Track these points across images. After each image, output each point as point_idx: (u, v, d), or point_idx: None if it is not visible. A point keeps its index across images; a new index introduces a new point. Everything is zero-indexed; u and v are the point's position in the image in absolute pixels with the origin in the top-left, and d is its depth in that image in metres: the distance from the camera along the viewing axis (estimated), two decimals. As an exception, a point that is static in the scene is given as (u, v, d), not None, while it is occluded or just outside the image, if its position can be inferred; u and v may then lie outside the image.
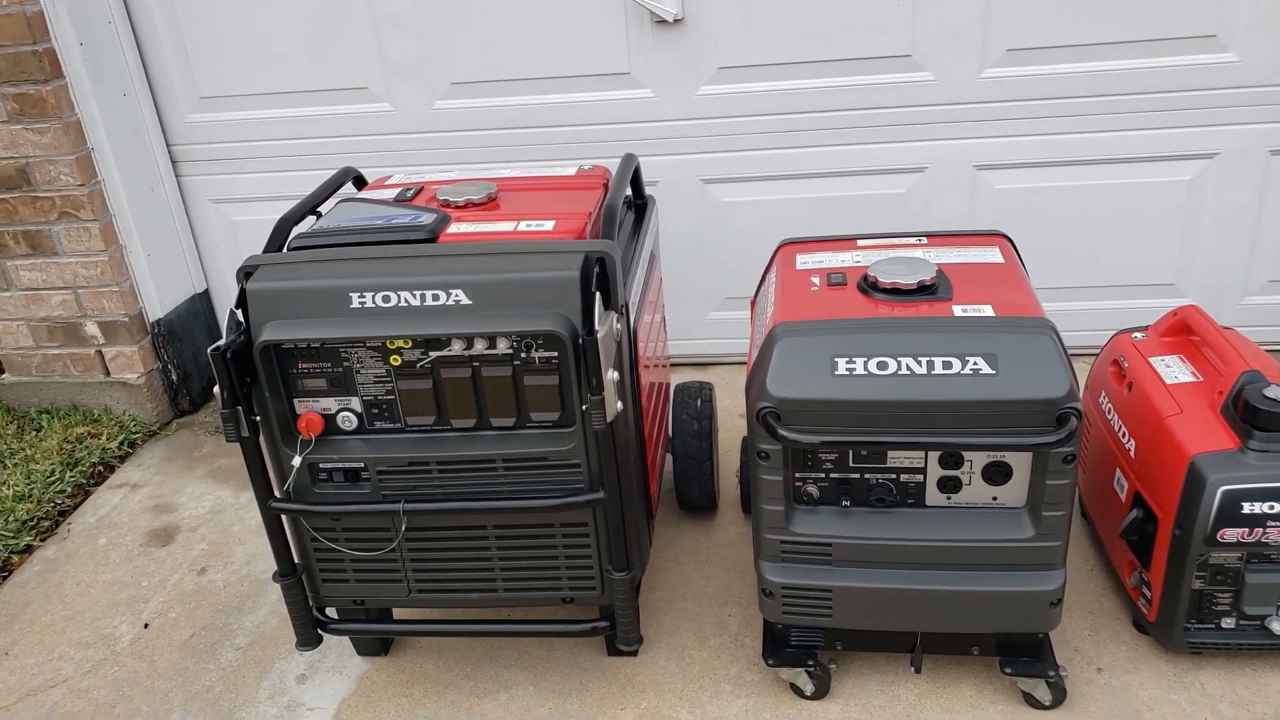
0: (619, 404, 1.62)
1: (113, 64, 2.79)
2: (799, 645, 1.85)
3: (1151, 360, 1.95)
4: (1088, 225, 2.79)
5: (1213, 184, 2.70)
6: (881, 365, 1.58)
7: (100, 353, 3.00)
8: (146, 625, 2.23)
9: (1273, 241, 2.75)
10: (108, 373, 3.02)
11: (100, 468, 2.86)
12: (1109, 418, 2.01)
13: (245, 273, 1.65)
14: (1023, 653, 1.79)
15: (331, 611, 1.93)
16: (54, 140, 2.70)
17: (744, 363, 3.09)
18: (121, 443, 2.94)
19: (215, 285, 3.23)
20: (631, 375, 1.78)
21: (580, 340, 1.56)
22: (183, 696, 2.01)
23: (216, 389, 1.62)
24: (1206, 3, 2.49)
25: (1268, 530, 1.65)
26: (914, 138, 2.73)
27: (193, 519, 2.61)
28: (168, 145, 2.99)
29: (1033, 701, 1.79)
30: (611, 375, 1.57)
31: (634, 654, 1.99)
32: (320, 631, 1.89)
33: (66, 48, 2.66)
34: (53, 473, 2.77)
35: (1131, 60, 2.58)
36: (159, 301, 2.99)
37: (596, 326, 1.54)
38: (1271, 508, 1.64)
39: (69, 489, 2.74)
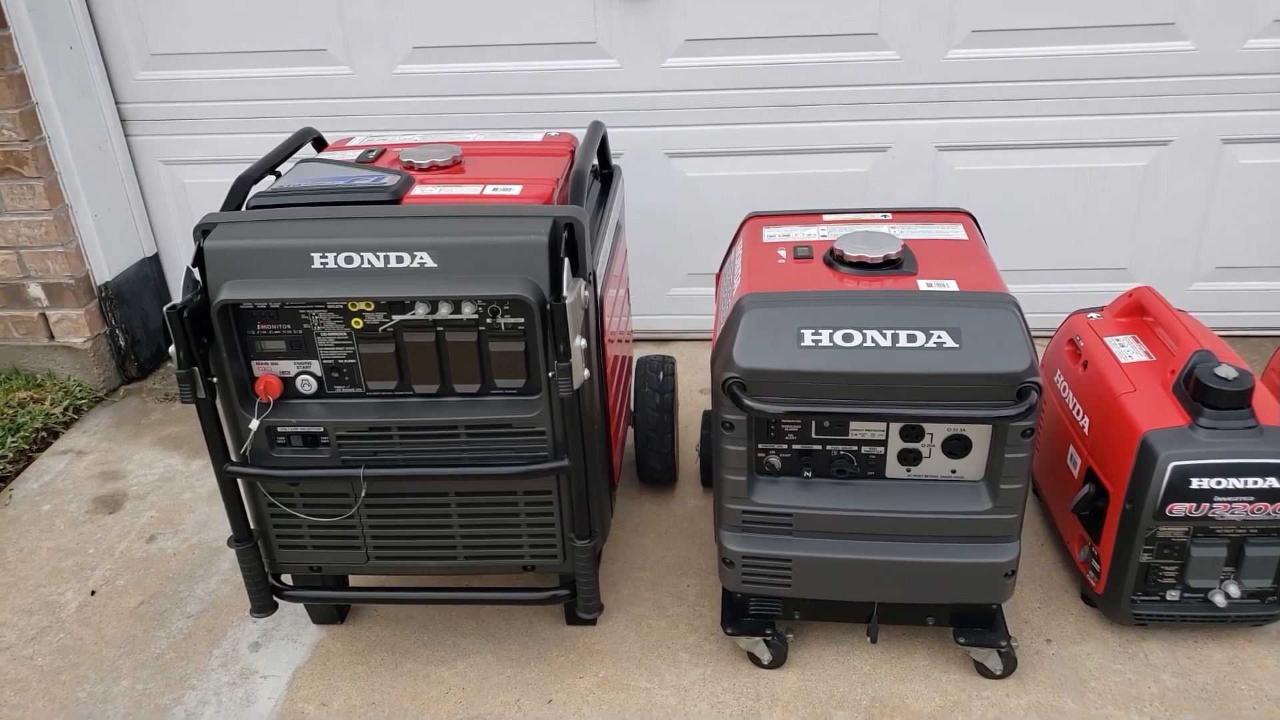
0: (585, 371, 1.61)
1: (59, 16, 2.69)
2: (757, 615, 1.87)
3: (1106, 340, 1.99)
4: (1044, 208, 2.83)
5: (1166, 171, 2.76)
6: (847, 337, 1.59)
7: (44, 315, 2.90)
8: (93, 593, 2.18)
9: (1222, 229, 2.82)
10: (52, 336, 2.93)
11: (43, 433, 2.78)
12: (1063, 395, 2.05)
13: (203, 230, 1.61)
14: (976, 624, 1.82)
15: (287, 579, 1.91)
16: (-4, 93, 2.60)
17: (705, 339, 3.10)
18: (66, 408, 2.86)
19: (165, 249, 3.14)
20: (598, 345, 1.77)
21: (548, 306, 1.54)
22: (132, 664, 1.97)
23: (172, 349, 1.58)
24: (1166, -9, 2.54)
25: (1214, 505, 1.70)
26: (877, 116, 2.75)
27: (141, 486, 2.55)
28: (116, 103, 2.90)
29: (984, 671, 1.83)
30: (579, 342, 1.56)
31: (593, 623, 1.99)
32: (275, 598, 1.86)
33: (11, -4, 2.56)
34: (-7, 437, 2.69)
35: (1092, 45, 2.62)
36: (106, 264, 2.91)
37: (565, 292, 1.53)
38: (1218, 483, 1.69)
39: (10, 454, 2.66)
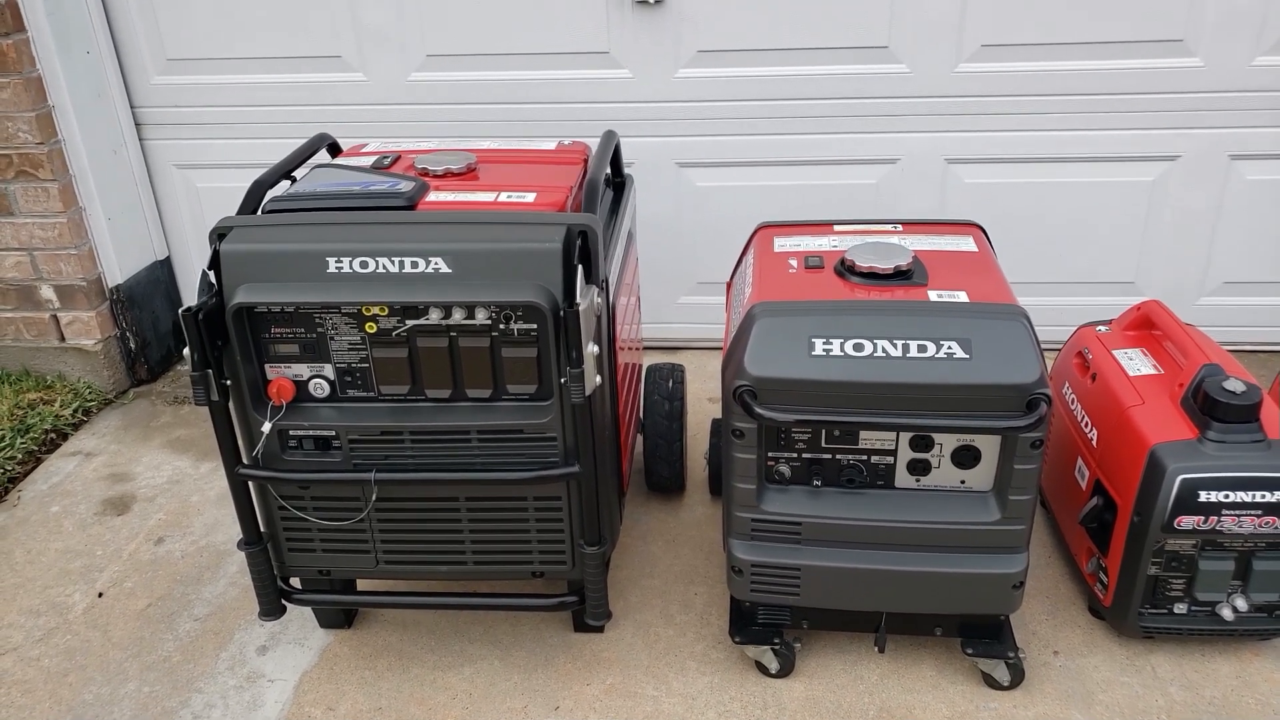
0: (597, 378, 1.62)
1: (77, 20, 2.72)
2: (765, 623, 1.87)
3: (1115, 353, 2.00)
4: (1053, 222, 2.84)
5: (1174, 186, 2.77)
6: (858, 347, 1.60)
7: (55, 317, 2.92)
8: (101, 594, 2.18)
9: (1230, 244, 2.83)
10: (63, 338, 2.94)
11: (53, 435, 2.79)
12: (1072, 408, 2.05)
13: (219, 234, 1.62)
14: (983, 634, 1.83)
15: (295, 582, 1.91)
16: (13, 96, 2.62)
17: (714, 348, 3.10)
18: (75, 410, 2.87)
19: (177, 253, 3.16)
20: (609, 352, 1.77)
21: (561, 312, 1.55)
22: (138, 666, 1.98)
23: (186, 351, 1.59)
24: (1175, 7, 2.55)
25: (1222, 518, 1.70)
26: (887, 129, 2.76)
27: (150, 489, 2.56)
28: (132, 107, 2.92)
29: (991, 682, 1.83)
30: (591, 349, 1.57)
31: (600, 630, 1.99)
32: (284, 602, 1.87)
33: (29, 0, 2.57)
34: (2, 438, 2.69)
35: (1101, 61, 2.63)
36: (119, 267, 2.92)
37: (578, 299, 1.54)
38: (1226, 496, 1.69)
39: (19, 455, 2.67)
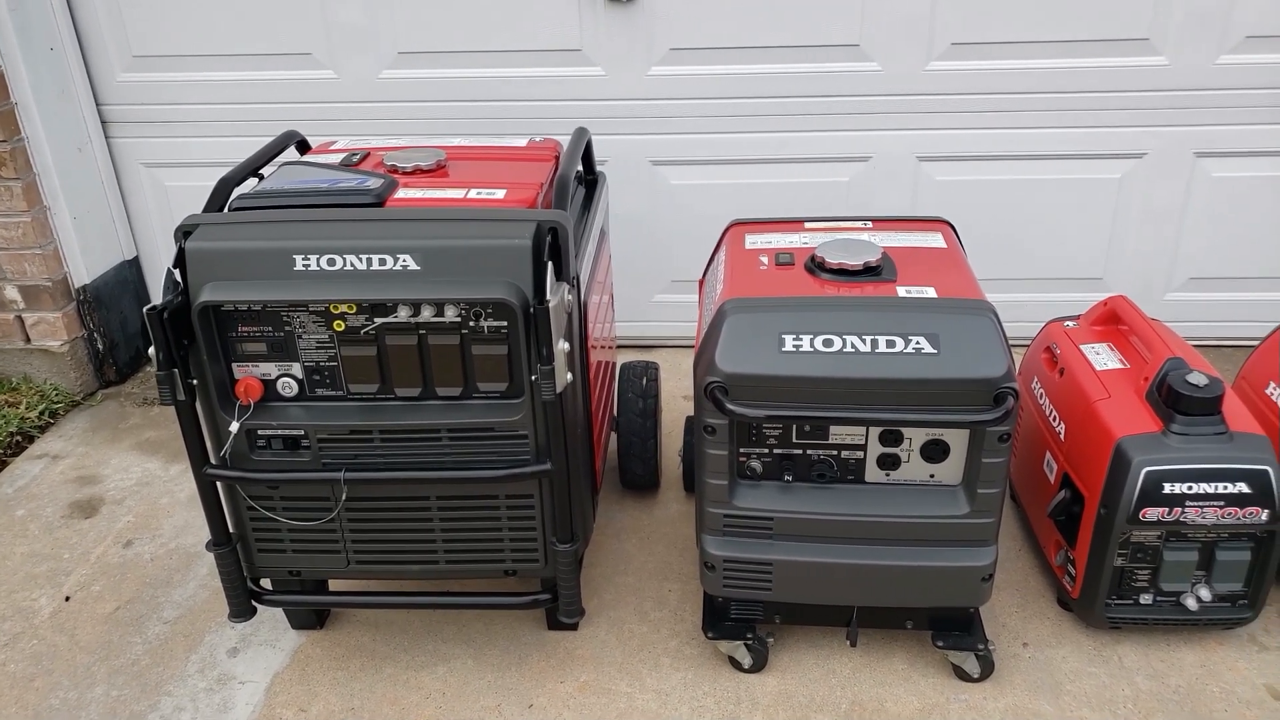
0: (569, 375, 1.61)
1: (40, 16, 2.68)
2: (738, 619, 1.88)
3: (1082, 347, 2.02)
4: (1022, 219, 2.87)
5: (1141, 183, 2.80)
6: (827, 343, 1.60)
7: (20, 318, 2.88)
8: (68, 598, 2.15)
9: (1195, 241, 2.87)
10: (28, 339, 2.90)
11: (18, 438, 2.75)
12: (1040, 402, 2.07)
13: (184, 232, 1.61)
14: (954, 627, 1.84)
15: (266, 583, 1.90)
16: (-26, 93, 2.59)
17: (688, 346, 3.11)
18: (42, 412, 2.83)
19: (146, 252, 3.12)
20: (581, 349, 1.77)
21: (531, 309, 1.55)
22: (106, 670, 1.95)
23: (151, 351, 1.57)
24: (1141, 7, 2.58)
25: (1185, 509, 1.73)
26: (859, 127, 2.77)
27: (118, 491, 2.53)
28: (97, 104, 2.88)
29: (962, 674, 1.84)
30: (562, 346, 1.57)
31: (574, 628, 1.99)
32: (254, 603, 1.85)
33: (-10, -4, 2.54)
34: (-33, 441, 2.66)
35: (1069, 59, 2.66)
36: (85, 267, 2.88)
37: (548, 296, 1.54)
38: (1190, 488, 1.72)
39: (-16, 458, 2.63)
